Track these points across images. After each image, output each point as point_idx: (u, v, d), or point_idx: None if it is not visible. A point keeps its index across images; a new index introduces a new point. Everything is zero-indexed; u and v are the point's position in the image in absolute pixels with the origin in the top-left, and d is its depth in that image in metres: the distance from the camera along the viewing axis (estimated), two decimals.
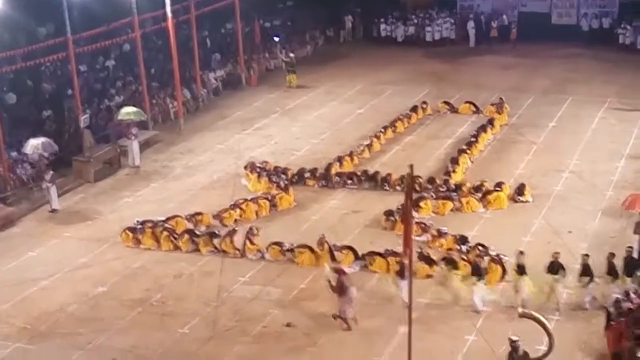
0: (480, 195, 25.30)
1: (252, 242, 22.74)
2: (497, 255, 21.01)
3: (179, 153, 31.15)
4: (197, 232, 23.55)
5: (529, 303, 19.06)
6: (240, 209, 25.08)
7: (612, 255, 19.56)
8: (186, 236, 23.34)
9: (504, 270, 20.57)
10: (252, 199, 25.58)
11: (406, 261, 19.84)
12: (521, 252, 19.93)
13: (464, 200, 25.06)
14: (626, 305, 17.54)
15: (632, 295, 17.99)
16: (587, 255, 19.68)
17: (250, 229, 22.99)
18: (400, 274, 19.79)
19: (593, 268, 19.41)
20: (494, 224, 24.10)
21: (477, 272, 19.73)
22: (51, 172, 26.63)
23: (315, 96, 37.47)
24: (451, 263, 20.41)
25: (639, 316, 17.07)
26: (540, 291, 19.37)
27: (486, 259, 20.86)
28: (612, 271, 19.35)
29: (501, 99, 33.54)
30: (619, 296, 17.86)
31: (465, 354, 18.11)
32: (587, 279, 19.25)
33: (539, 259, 20.31)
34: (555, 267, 19.38)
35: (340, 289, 19.00)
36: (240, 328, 19.42)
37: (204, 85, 37.19)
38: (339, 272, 19.44)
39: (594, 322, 18.52)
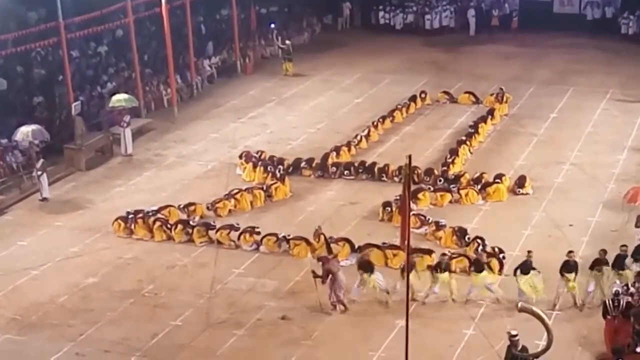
0: (479, 187, 25.32)
1: (251, 235, 22.71)
2: (494, 249, 21.08)
3: (172, 141, 31.09)
4: (192, 223, 23.53)
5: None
6: (235, 199, 25.07)
7: (604, 252, 19.49)
8: (180, 226, 23.31)
9: (501, 265, 20.62)
10: (246, 189, 25.55)
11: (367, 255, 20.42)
12: (482, 252, 20.45)
13: (463, 192, 25.08)
14: (625, 299, 17.57)
15: (632, 289, 18.04)
16: (571, 251, 19.60)
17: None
18: (363, 267, 19.82)
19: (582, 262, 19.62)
20: (493, 217, 24.13)
21: (438, 266, 19.81)
22: (42, 160, 26.56)
23: (312, 85, 37.41)
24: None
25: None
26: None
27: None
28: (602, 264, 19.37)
29: (501, 89, 33.50)
30: (618, 289, 17.90)
31: (464, 348, 18.14)
32: (572, 275, 19.21)
33: (539, 252, 20.33)
34: (526, 267, 19.41)
35: (328, 276, 19.18)
36: (235, 320, 19.43)
37: (198, 72, 37.11)
38: (324, 260, 19.65)
39: (594, 317, 18.55)
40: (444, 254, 20.30)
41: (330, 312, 19.41)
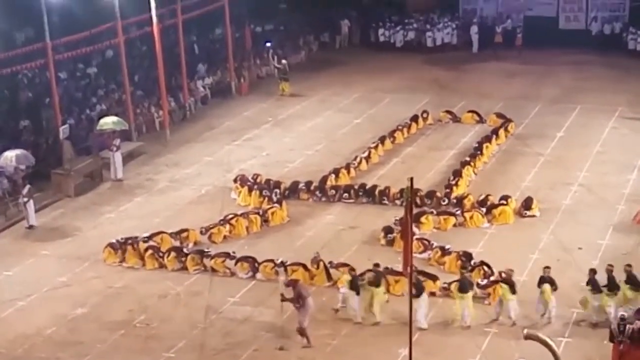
0: (484, 209, 25.31)
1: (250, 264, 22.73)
2: (500, 274, 21.02)
3: (164, 165, 31.11)
4: (185, 250, 23.49)
5: (469, 319, 19.75)
6: (230, 224, 25.05)
7: (593, 272, 19.81)
8: (173, 254, 23.26)
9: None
10: (242, 214, 25.53)
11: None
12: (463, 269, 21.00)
13: (467, 214, 25.07)
14: (633, 325, 17.54)
15: None
16: (547, 267, 19.99)
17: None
18: (353, 286, 20.19)
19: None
20: (499, 240, 24.10)
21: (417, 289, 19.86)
22: (28, 185, 26.54)
23: (309, 105, 37.50)
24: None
25: None
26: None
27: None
28: (611, 284, 19.65)
29: (502, 115, 33.50)
30: (624, 314, 17.91)
31: None
32: (547, 286, 19.68)
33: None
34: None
35: (298, 300, 19.23)
36: (230, 352, 19.33)
37: (191, 93, 37.21)
38: (293, 284, 19.73)
39: (604, 343, 18.45)
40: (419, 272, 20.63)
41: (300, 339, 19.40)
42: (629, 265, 19.98)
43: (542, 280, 19.74)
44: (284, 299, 19.36)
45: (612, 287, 19.56)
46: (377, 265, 20.95)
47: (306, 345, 19.23)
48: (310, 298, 19.42)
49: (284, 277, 20.98)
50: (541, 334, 14.23)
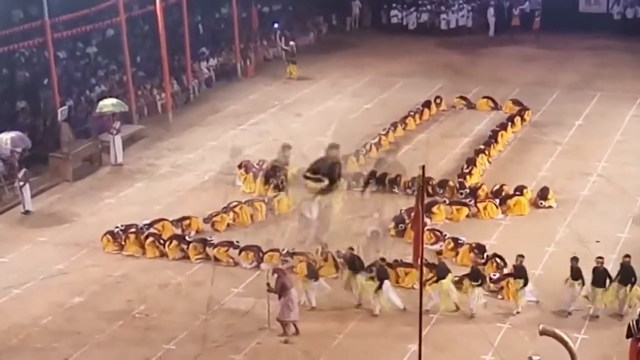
0: (499, 199, 25.27)
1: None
2: (514, 266, 21.00)
3: (166, 150, 31.12)
4: (187, 238, 23.49)
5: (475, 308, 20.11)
6: (234, 212, 25.05)
7: (575, 260, 20.05)
8: (174, 242, 23.27)
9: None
10: (246, 202, 25.55)
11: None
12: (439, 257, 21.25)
13: (480, 205, 25.04)
14: None
15: None
16: (521, 255, 20.37)
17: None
18: (310, 275, 20.46)
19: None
20: (514, 232, 24.08)
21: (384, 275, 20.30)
22: (24, 169, 26.56)
23: (317, 89, 37.44)
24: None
25: None
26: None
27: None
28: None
29: (518, 101, 33.41)
30: None
31: None
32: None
33: (563, 271, 20.26)
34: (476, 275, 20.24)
35: (281, 290, 19.33)
36: (232, 344, 19.37)
37: (195, 75, 37.17)
38: (279, 272, 19.81)
39: (622, 340, 18.42)
40: (382, 259, 20.73)
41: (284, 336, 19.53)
42: (628, 256, 19.96)
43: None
44: (270, 290, 19.47)
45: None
46: (351, 249, 21.08)
47: (283, 334, 19.38)
48: (294, 289, 19.53)
49: (270, 266, 21.06)
50: (557, 329, 14.22)
